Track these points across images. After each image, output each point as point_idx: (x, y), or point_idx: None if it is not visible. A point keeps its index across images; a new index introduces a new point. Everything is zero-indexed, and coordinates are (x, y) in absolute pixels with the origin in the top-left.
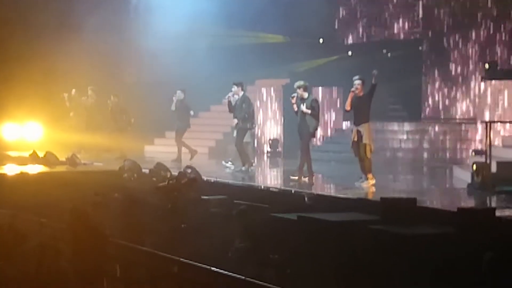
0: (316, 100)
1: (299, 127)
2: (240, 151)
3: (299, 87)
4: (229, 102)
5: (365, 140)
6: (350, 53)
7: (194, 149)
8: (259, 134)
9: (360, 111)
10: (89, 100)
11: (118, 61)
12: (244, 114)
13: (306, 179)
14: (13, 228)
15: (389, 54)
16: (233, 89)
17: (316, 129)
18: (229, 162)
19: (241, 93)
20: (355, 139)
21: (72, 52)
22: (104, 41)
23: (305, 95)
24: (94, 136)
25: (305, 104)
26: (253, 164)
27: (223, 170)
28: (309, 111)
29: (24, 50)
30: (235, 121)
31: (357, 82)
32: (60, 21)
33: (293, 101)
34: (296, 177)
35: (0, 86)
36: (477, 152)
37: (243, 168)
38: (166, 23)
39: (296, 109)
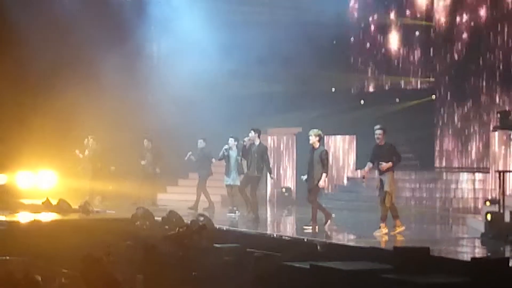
0: (326, 152)
1: (307, 175)
2: (253, 200)
3: (315, 135)
4: (244, 146)
5: (386, 187)
6: (362, 101)
7: (213, 202)
8: (272, 182)
9: (382, 161)
10: (91, 149)
11: (131, 109)
12: (260, 163)
13: (328, 223)
14: (28, 275)
15: (401, 103)
16: (250, 135)
17: (323, 179)
18: (236, 211)
19: (258, 141)
20: (378, 187)
21: (85, 100)
22: (117, 88)
23: (317, 144)
24: (115, 184)
25: (314, 155)
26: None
27: (235, 218)
28: (319, 163)
29: (37, 99)
30: (255, 173)
31: (378, 132)
32: (73, 67)
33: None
34: (310, 226)
35: (14, 135)
36: (491, 202)
37: (252, 214)
38: (179, 72)
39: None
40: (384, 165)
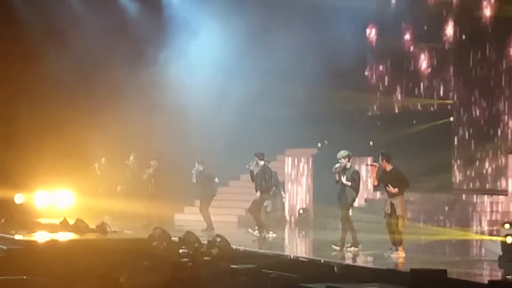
0: (357, 172)
1: (339, 197)
2: (257, 218)
3: (343, 157)
4: (251, 171)
5: (398, 212)
6: (378, 123)
7: (212, 225)
8: (288, 203)
9: (391, 185)
10: (130, 167)
11: (147, 130)
12: (263, 183)
13: (352, 249)
14: None
15: (418, 125)
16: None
17: (354, 200)
18: (256, 231)
19: (261, 162)
20: (389, 211)
21: (102, 121)
22: (133, 110)
23: (348, 165)
24: (131, 203)
25: (345, 176)
26: (270, 232)
27: (252, 239)
28: (349, 183)
29: (55, 119)
30: (258, 194)
31: (380, 158)
32: (91, 87)
33: (336, 171)
34: (338, 247)
35: (32, 155)
36: (509, 224)
37: (268, 235)
38: (196, 94)
39: (337, 178)
40: (391, 189)
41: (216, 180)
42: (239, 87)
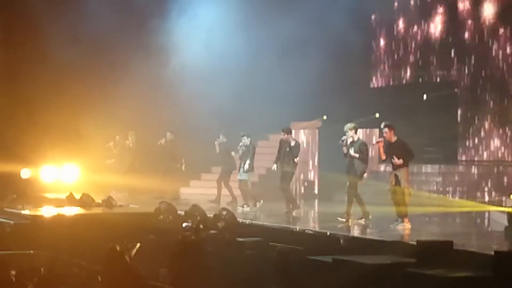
0: (365, 144)
1: (348, 170)
2: (288, 195)
3: (350, 129)
4: (290, 146)
5: (403, 184)
6: (382, 96)
7: (235, 196)
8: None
9: (396, 157)
10: (131, 144)
11: (153, 104)
12: (293, 157)
13: (362, 221)
14: (52, 270)
15: (424, 96)
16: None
17: (364, 172)
18: (245, 206)
19: (291, 137)
20: (393, 183)
21: (108, 95)
22: (139, 85)
23: (355, 137)
24: (137, 178)
25: (353, 148)
26: (257, 204)
27: (258, 212)
28: (357, 155)
29: (62, 94)
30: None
31: (384, 130)
32: (97, 64)
33: (343, 143)
34: (344, 219)
35: (39, 129)
36: None
37: (286, 211)
38: (202, 65)
39: (345, 151)
40: (396, 160)
41: (233, 153)
42: (244, 59)
